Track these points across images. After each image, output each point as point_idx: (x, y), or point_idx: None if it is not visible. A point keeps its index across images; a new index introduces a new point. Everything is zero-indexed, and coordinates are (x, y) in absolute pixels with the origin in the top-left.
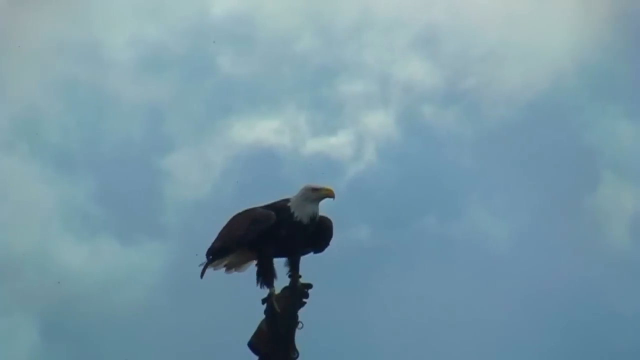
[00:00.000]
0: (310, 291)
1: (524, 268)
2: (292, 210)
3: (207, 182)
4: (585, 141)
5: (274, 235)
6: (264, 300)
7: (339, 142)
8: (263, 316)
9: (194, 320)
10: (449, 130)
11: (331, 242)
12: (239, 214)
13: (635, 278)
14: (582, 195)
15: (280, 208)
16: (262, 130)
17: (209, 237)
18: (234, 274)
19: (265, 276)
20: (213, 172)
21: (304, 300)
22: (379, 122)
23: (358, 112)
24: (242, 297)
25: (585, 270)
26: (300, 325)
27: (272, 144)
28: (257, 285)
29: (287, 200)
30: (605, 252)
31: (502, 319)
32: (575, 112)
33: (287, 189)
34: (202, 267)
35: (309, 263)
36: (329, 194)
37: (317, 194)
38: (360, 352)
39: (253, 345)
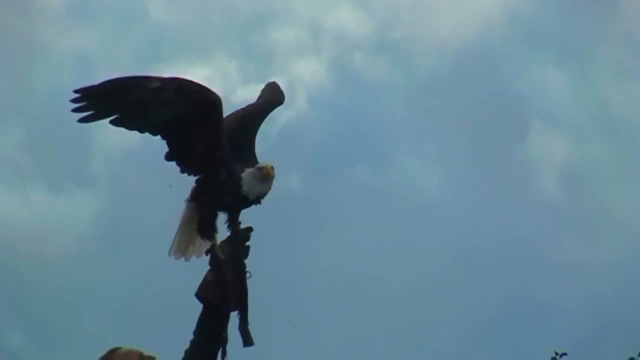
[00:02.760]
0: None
1: (454, 217)
2: (241, 183)
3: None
4: (514, 90)
5: (221, 200)
6: (207, 252)
7: None
8: (208, 267)
9: (129, 270)
10: (380, 79)
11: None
12: None
13: (564, 227)
14: (511, 143)
15: (235, 177)
16: (193, 78)
17: (139, 186)
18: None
19: (206, 230)
20: None
21: (247, 244)
22: (310, 70)
23: (289, 60)
24: None
25: (515, 218)
26: (248, 274)
27: None
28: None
29: (244, 170)
30: (534, 201)
31: (433, 268)
32: (505, 60)
33: None
34: None
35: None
36: (267, 175)
37: (260, 173)
38: (290, 302)
39: (200, 295)
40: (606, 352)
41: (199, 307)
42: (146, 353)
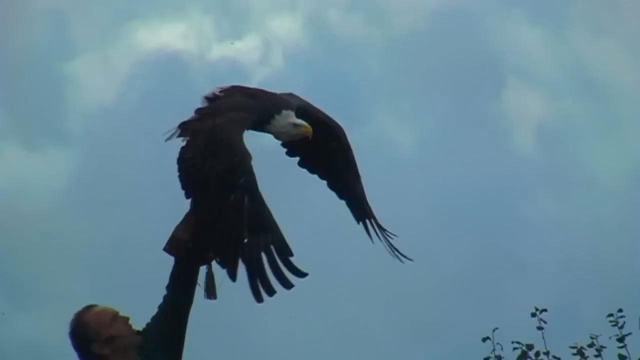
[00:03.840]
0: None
1: (430, 173)
2: (273, 120)
3: (112, 88)
4: (489, 47)
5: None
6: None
7: (245, 47)
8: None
9: (104, 227)
10: (356, 36)
11: None
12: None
13: (539, 183)
14: (487, 100)
15: (268, 112)
16: (168, 34)
17: (114, 143)
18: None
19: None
20: (117, 78)
21: None
22: (286, 27)
23: (264, 17)
24: (156, 203)
25: (491, 175)
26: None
27: (177, 49)
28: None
29: (273, 116)
30: (510, 158)
31: (409, 224)
32: (480, 17)
33: (193, 95)
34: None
35: None
36: (304, 134)
37: (297, 129)
38: None
39: (168, 251)
40: (584, 308)
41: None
42: (121, 313)
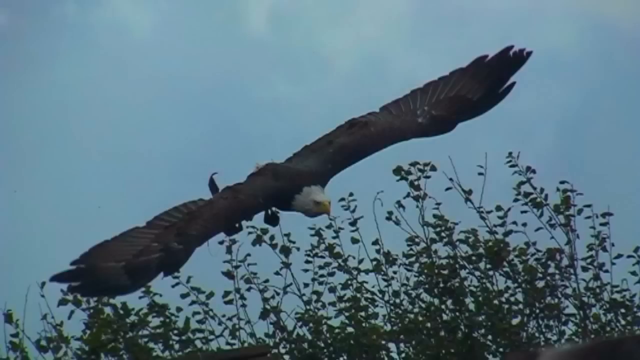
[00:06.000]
0: None
1: (165, 56)
2: (297, 195)
3: None
4: None
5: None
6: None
7: None
8: None
9: None
10: None
11: None
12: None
13: (273, 66)
14: None
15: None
16: None
17: None
18: None
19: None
20: None
21: None
22: None
23: None
24: None
25: (225, 58)
26: None
27: None
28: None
29: (293, 196)
30: (244, 40)
31: (143, 106)
32: None
33: None
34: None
35: None
36: (326, 211)
37: (318, 207)
38: (6, 137)
39: None
40: None
41: None
42: None
